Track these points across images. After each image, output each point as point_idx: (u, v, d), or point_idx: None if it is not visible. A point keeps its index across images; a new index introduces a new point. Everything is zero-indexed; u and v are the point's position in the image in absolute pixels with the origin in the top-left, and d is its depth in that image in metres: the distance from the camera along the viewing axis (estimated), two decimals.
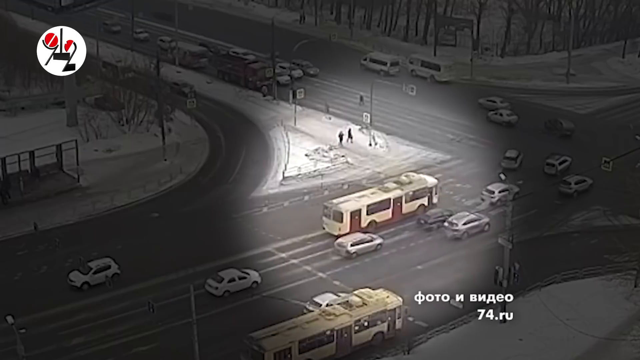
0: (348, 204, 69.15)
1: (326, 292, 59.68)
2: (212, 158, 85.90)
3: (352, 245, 66.24)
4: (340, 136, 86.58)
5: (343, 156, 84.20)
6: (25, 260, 65.33)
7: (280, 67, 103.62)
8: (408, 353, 54.81)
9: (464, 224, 69.22)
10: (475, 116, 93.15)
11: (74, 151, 77.94)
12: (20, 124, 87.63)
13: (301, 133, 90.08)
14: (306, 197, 76.83)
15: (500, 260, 56.47)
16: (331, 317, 54.68)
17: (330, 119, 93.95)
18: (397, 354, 54.94)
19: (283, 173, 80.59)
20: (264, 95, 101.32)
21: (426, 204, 72.43)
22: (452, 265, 65.17)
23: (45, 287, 61.86)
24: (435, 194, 73.36)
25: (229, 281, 61.29)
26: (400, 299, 56.89)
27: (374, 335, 55.91)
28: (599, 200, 74.40)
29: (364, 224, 68.92)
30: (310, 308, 57.54)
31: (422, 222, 70.57)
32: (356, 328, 54.99)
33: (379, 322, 55.90)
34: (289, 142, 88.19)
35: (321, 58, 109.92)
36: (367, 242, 66.88)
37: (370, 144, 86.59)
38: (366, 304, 55.87)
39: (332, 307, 55.98)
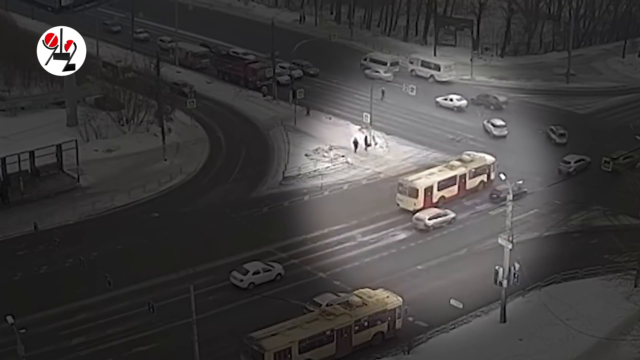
0: (422, 181, 73.26)
1: (326, 292, 59.69)
2: (212, 158, 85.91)
3: (429, 219, 70.33)
4: (355, 143, 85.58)
5: (343, 156, 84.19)
6: (25, 260, 65.32)
7: (280, 67, 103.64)
8: (408, 353, 54.79)
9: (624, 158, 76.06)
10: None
11: (74, 151, 77.96)
12: (20, 124, 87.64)
13: (301, 133, 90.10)
14: (306, 197, 76.85)
15: (500, 260, 56.47)
16: (331, 317, 54.68)
17: (330, 119, 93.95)
18: (397, 354, 54.92)
19: (283, 173, 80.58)
20: (264, 95, 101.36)
21: (485, 180, 76.79)
22: (452, 265, 65.21)
23: (45, 287, 61.86)
24: (493, 170, 77.26)
25: (254, 273, 62.22)
26: (400, 299, 56.90)
27: (374, 335, 55.89)
28: (599, 200, 74.39)
29: (435, 199, 73.19)
30: (310, 308, 57.54)
31: (495, 196, 74.18)
32: (356, 328, 54.97)
33: (379, 322, 55.89)
34: (289, 142, 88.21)
35: (321, 58, 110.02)
36: (443, 216, 70.96)
37: (370, 144, 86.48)
38: (366, 304, 55.86)
39: (332, 307, 55.97)
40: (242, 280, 62.00)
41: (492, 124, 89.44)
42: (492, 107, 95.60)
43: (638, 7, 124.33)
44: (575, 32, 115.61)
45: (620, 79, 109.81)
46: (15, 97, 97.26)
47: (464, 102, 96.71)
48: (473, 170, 76.41)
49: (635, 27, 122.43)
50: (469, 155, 78.36)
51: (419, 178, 74.01)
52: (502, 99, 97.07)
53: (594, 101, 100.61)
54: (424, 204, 72.33)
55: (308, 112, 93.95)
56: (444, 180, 74.23)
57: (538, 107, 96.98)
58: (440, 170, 75.81)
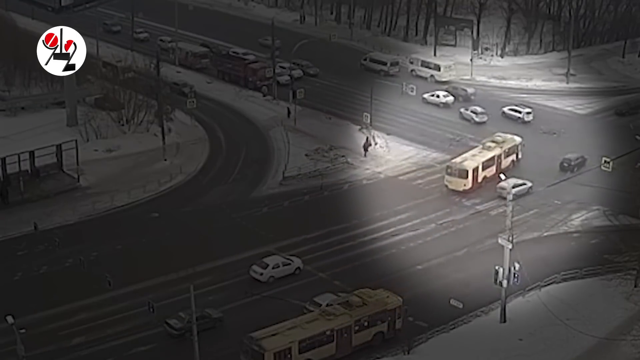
0: (469, 163, 77.32)
1: (326, 292, 59.72)
2: (212, 158, 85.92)
3: (512, 187, 71.93)
4: (365, 147, 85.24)
5: (343, 156, 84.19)
6: (25, 260, 65.30)
7: (280, 67, 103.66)
8: (408, 353, 54.79)
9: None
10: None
11: (74, 151, 77.92)
12: (20, 124, 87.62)
13: (301, 133, 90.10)
14: (306, 197, 76.85)
15: (500, 260, 56.48)
16: (331, 317, 54.68)
17: (330, 119, 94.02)
18: (397, 354, 54.92)
19: (283, 173, 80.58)
20: (264, 95, 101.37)
21: (515, 159, 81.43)
22: (452, 265, 65.23)
23: (45, 287, 61.83)
24: (520, 150, 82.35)
25: (274, 267, 63.12)
26: (400, 299, 56.90)
27: (374, 335, 55.90)
28: (599, 200, 74.41)
29: (479, 179, 77.21)
30: (310, 308, 57.56)
31: (566, 165, 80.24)
32: (356, 328, 54.97)
33: (379, 322, 55.89)
34: (289, 142, 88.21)
35: (321, 58, 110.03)
36: (523, 185, 75.24)
37: (371, 144, 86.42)
38: (366, 304, 55.84)
39: (332, 307, 55.97)
40: (262, 274, 62.71)
41: (473, 112, 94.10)
42: (460, 99, 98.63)
43: (638, 7, 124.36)
44: (575, 32, 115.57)
45: (620, 79, 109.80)
46: (15, 97, 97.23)
47: (450, 98, 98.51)
48: (506, 150, 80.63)
49: (635, 27, 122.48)
50: (500, 136, 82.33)
51: (465, 160, 77.62)
52: (470, 90, 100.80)
53: (594, 101, 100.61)
54: (472, 184, 76.24)
55: (289, 114, 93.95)
56: (486, 161, 78.26)
57: (538, 107, 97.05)
58: (479, 152, 79.53)
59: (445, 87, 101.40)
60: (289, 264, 63.85)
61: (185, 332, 53.23)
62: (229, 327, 56.56)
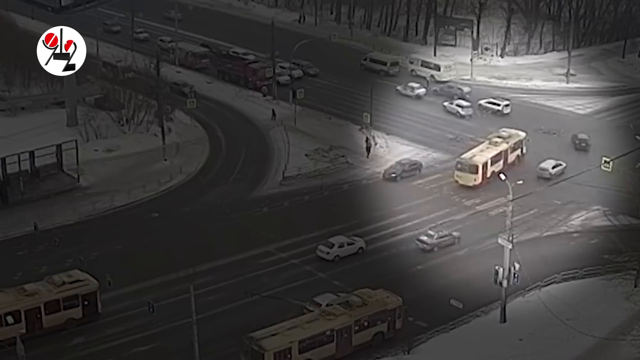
0: (478, 158, 78.65)
1: (326, 292, 59.71)
2: (212, 158, 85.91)
3: (552, 168, 79.44)
4: (367, 148, 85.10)
5: (343, 156, 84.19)
6: (25, 260, 65.29)
7: (280, 67, 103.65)
8: (408, 353, 54.81)
9: None
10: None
11: (74, 151, 77.91)
12: (20, 124, 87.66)
13: (301, 133, 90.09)
14: (306, 197, 76.85)
15: (500, 260, 56.48)
16: (331, 317, 54.69)
17: (330, 119, 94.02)
18: (397, 354, 54.94)
19: (283, 173, 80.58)
20: (264, 95, 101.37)
21: (520, 154, 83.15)
22: (452, 265, 65.23)
23: None
24: (524, 145, 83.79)
25: (339, 247, 66.09)
26: (400, 299, 56.91)
27: (374, 335, 55.92)
28: (599, 200, 74.41)
29: (488, 174, 78.07)
30: (310, 308, 57.54)
31: (584, 144, 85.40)
32: (356, 328, 55.00)
33: (379, 322, 55.91)
34: (289, 142, 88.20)
35: (321, 58, 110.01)
36: (560, 166, 79.66)
37: (371, 144, 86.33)
38: (366, 304, 55.87)
39: (332, 307, 55.97)
40: (328, 253, 65.53)
41: (459, 105, 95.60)
42: (455, 97, 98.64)
43: (638, 7, 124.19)
44: (575, 32, 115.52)
45: (620, 79, 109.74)
46: (15, 97, 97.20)
47: (423, 90, 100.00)
48: (512, 145, 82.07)
49: (635, 27, 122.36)
50: (505, 131, 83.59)
51: (474, 155, 78.83)
52: (466, 89, 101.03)
53: (594, 101, 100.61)
54: (482, 178, 77.33)
55: (274, 115, 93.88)
56: (494, 156, 79.46)
57: (538, 107, 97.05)
58: (487, 147, 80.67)
59: (440, 86, 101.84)
60: (353, 243, 66.40)
61: (434, 247, 66.24)
62: (229, 327, 56.53)
